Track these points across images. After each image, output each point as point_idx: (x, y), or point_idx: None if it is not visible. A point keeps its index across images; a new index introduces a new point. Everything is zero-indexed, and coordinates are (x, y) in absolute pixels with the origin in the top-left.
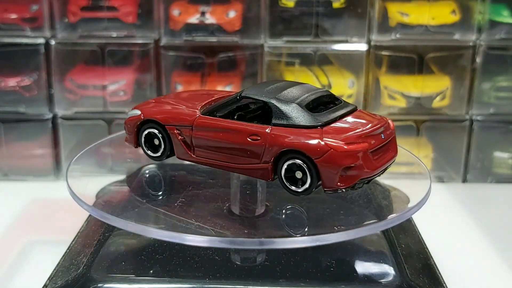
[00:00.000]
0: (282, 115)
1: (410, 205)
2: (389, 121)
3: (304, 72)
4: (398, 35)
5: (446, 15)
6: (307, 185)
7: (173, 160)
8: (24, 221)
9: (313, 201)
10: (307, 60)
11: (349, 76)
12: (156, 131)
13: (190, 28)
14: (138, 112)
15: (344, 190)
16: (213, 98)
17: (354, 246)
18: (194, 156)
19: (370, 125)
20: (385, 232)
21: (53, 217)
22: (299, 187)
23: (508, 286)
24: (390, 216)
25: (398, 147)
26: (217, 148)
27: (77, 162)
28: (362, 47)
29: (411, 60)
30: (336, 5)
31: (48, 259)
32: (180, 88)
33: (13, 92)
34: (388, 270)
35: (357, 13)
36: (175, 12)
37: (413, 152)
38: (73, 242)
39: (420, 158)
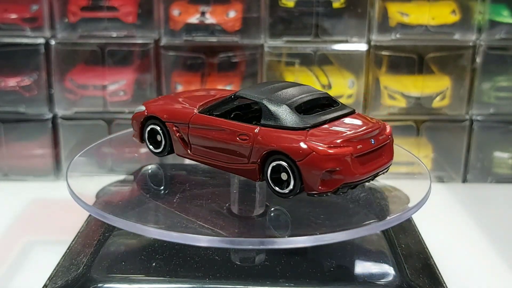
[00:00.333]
0: (271, 116)
1: (410, 205)
2: (387, 126)
3: (304, 72)
4: (398, 35)
5: (446, 15)
6: (291, 187)
7: (173, 160)
8: (24, 221)
9: (313, 201)
10: (307, 60)
11: (349, 76)
12: (158, 128)
13: (190, 28)
14: (143, 108)
15: (326, 194)
16: (216, 97)
17: (354, 246)
18: (190, 153)
19: (359, 129)
20: (385, 232)
21: (53, 217)
22: (283, 189)
23: (508, 286)
24: (390, 216)
25: (398, 147)
26: (210, 146)
27: (77, 162)
28: (362, 47)
29: (411, 60)
30: (336, 5)
31: (48, 259)
32: (180, 88)
33: (13, 92)
34: (388, 270)
35: (357, 13)
36: (175, 12)
37: (413, 152)
38: (73, 242)
39: (420, 158)
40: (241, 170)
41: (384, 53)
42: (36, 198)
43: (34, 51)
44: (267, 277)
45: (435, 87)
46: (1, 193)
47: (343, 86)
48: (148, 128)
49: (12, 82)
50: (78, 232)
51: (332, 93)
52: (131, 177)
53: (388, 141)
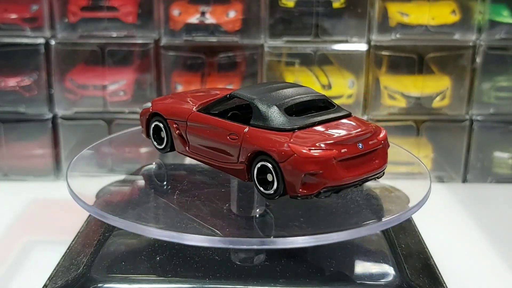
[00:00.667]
0: (261, 116)
1: (410, 205)
2: (382, 130)
3: (304, 72)
4: (398, 35)
5: (446, 15)
6: (274, 188)
7: (173, 160)
8: (24, 221)
9: (313, 201)
10: (307, 60)
11: (349, 76)
12: (161, 125)
13: (190, 28)
14: (149, 105)
15: (307, 197)
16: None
17: (354, 246)
18: (188, 150)
19: (347, 133)
20: (385, 232)
21: (53, 217)
22: (268, 189)
23: (508, 286)
24: (390, 216)
25: (398, 147)
26: (205, 144)
27: (77, 162)
28: (362, 47)
29: (411, 60)
30: (336, 5)
31: (48, 259)
32: (180, 88)
33: (13, 92)
34: (388, 270)
35: (357, 13)
36: (175, 12)
37: (413, 152)
38: (73, 242)
39: (420, 158)
40: (231, 170)
41: (384, 53)
42: (36, 198)
43: (34, 51)
44: (267, 277)
45: (435, 87)
46: (1, 193)
47: (343, 86)
48: (153, 125)
49: (12, 82)
50: (78, 232)
51: (332, 93)
52: (131, 177)
53: (381, 146)
